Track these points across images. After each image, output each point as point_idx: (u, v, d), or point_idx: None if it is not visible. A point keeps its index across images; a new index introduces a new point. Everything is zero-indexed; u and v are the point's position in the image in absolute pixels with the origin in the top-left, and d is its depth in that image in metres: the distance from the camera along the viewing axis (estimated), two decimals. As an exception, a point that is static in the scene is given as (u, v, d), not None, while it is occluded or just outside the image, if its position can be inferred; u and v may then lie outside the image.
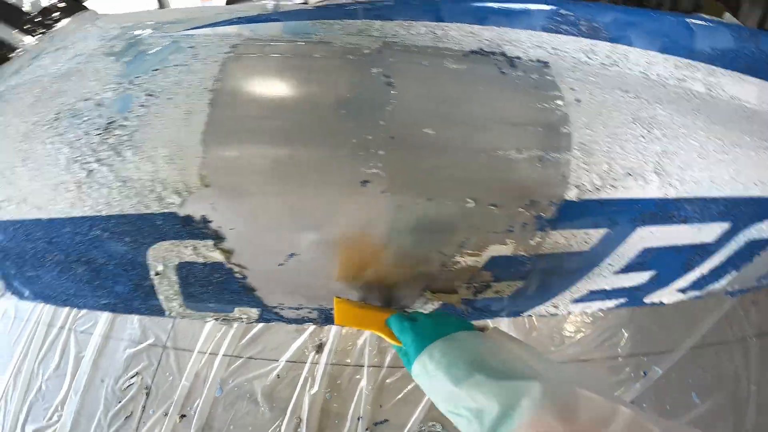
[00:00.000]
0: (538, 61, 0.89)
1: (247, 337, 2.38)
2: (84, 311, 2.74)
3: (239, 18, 1.04)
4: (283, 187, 0.84)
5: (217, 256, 0.92)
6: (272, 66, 0.90)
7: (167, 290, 1.04)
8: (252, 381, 2.27)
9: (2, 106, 1.06)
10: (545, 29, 0.90)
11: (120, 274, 1.02)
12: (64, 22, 1.38)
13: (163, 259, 0.95)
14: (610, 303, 1.19)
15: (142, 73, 0.93)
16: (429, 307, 1.10)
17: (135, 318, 2.58)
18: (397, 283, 1.01)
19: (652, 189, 0.87)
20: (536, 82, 0.86)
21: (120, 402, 2.38)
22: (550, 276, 1.03)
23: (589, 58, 0.90)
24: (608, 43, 0.91)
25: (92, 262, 1.01)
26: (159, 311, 1.15)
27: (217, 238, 0.89)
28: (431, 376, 0.70)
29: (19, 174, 0.92)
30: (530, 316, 1.30)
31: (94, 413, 2.40)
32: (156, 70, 0.93)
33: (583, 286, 1.09)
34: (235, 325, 2.33)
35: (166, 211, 0.86)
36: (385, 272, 0.97)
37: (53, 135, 0.90)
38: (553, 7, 0.90)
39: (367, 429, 2.09)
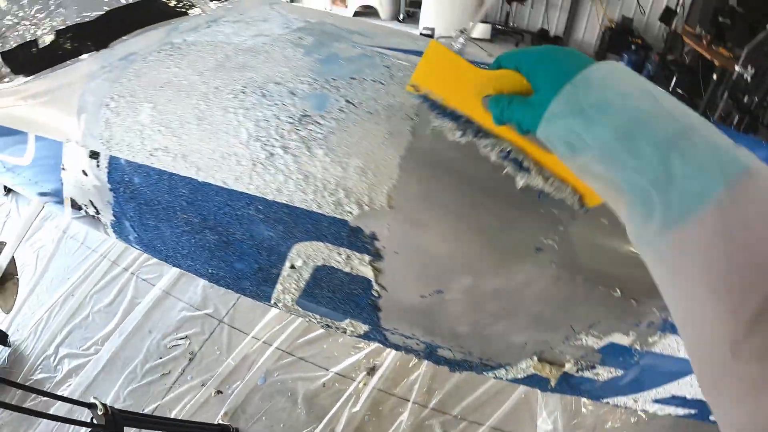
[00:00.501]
0: None
1: (305, 338, 2.35)
2: (153, 260, 2.77)
3: None
4: (462, 230, 0.83)
5: (367, 272, 0.89)
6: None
7: (290, 284, 1.01)
8: (296, 381, 2.23)
9: (178, 58, 1.07)
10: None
11: (250, 254, 0.99)
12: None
13: (307, 256, 0.92)
14: (682, 411, 1.16)
15: (338, 77, 0.93)
16: (522, 370, 1.06)
17: (200, 283, 2.59)
18: (515, 342, 0.98)
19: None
20: None
21: (161, 358, 2.39)
22: (647, 373, 1.01)
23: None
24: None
25: (227, 234, 0.99)
26: (264, 297, 1.13)
27: (377, 256, 0.87)
28: (587, 114, 0.45)
29: (189, 131, 0.92)
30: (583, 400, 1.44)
31: (132, 360, 2.42)
32: (353, 78, 0.93)
33: (669, 389, 1.07)
34: (320, 329, 2.30)
35: (338, 216, 0.84)
36: (511, 329, 0.95)
37: (238, 107, 0.90)
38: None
39: (397, 462, 2.02)
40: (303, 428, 2.08)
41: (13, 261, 2.35)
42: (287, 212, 0.86)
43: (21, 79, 1.19)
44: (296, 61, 0.97)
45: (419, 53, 1.03)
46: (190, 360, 2.35)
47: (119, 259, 2.89)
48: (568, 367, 1.01)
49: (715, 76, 5.15)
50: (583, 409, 2.14)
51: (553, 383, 1.06)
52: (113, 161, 1.07)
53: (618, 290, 0.83)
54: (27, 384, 2.39)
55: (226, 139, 0.88)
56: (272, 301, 1.12)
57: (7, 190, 3.61)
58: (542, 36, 6.97)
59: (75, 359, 2.47)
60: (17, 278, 2.44)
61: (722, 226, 0.35)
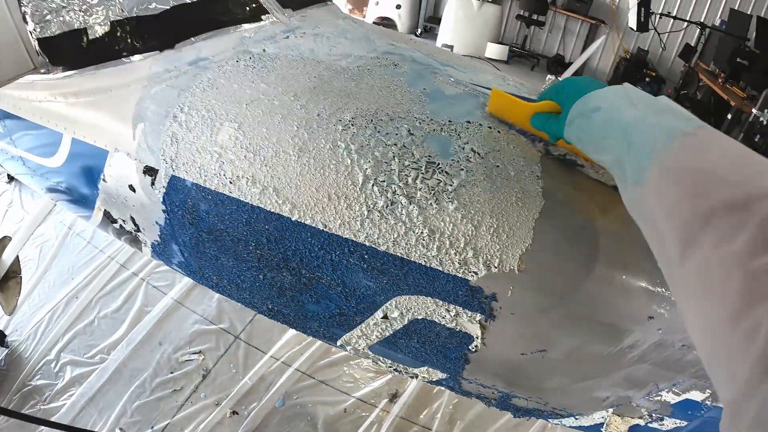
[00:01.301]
0: None
1: (326, 360, 2.25)
2: (165, 267, 2.65)
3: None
4: (583, 303, 0.79)
5: (474, 330, 0.82)
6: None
7: (373, 332, 0.93)
8: (317, 405, 2.13)
9: (263, 72, 0.97)
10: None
11: (334, 299, 0.90)
12: (312, 7, 1.31)
13: (407, 309, 0.84)
14: None
15: (454, 120, 0.86)
16: (593, 420, 1.05)
17: (215, 295, 2.48)
18: (598, 396, 0.96)
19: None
20: None
21: (172, 372, 2.27)
22: (707, 424, 1.01)
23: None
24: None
25: (310, 278, 0.90)
26: (331, 339, 1.05)
27: (490, 315, 0.80)
28: (589, 117, 0.64)
29: (286, 162, 0.82)
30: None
31: (141, 372, 2.29)
32: (469, 122, 0.86)
33: None
34: (335, 351, 2.21)
35: (459, 275, 0.76)
36: (600, 385, 0.93)
37: (349, 140, 0.80)
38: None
39: (417, 494, 1.94)
40: (323, 456, 1.99)
41: (17, 259, 2.22)
42: (398, 265, 0.79)
43: (60, 72, 1.05)
44: (402, 94, 0.90)
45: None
46: (204, 377, 2.24)
47: (128, 263, 2.77)
48: (642, 419, 1.01)
49: (729, 116, 5.23)
50: None
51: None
52: (175, 182, 0.97)
53: None
54: (25, 390, 2.27)
55: (335, 177, 0.79)
56: (339, 343, 1.04)
57: (10, 178, 3.47)
58: (557, 61, 6.98)
59: (78, 367, 2.34)
60: (21, 277, 2.31)
61: (664, 179, 0.49)
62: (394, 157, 0.79)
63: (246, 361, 2.27)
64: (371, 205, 0.77)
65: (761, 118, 4.54)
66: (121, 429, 1.38)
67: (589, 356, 0.85)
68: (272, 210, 0.85)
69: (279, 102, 0.89)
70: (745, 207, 0.41)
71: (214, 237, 0.98)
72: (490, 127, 0.85)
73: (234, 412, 2.11)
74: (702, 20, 6.25)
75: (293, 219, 0.83)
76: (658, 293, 0.79)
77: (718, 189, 0.44)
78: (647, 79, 6.53)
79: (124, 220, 1.17)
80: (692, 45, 6.30)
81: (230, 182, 0.88)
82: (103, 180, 1.10)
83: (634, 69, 6.66)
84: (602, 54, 7.14)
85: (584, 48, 6.99)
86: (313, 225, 0.81)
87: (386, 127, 0.82)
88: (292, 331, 2.29)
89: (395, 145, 0.80)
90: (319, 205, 0.80)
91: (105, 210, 1.20)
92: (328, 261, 0.84)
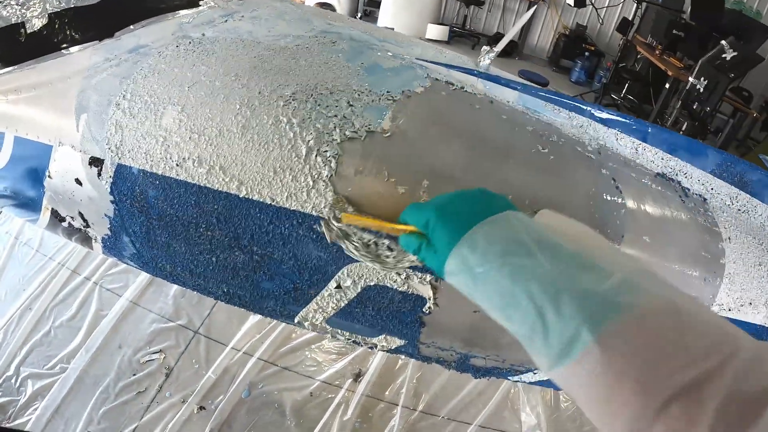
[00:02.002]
0: (700, 195, 1.04)
1: (287, 346, 2.25)
2: (116, 269, 2.59)
3: (476, 72, 1.08)
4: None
5: (426, 291, 0.85)
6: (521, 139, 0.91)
7: (329, 303, 0.94)
8: (282, 392, 2.14)
9: (203, 55, 0.97)
10: (711, 172, 1.05)
11: (287, 275, 0.92)
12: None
13: (359, 276, 0.86)
14: None
15: (393, 90, 0.88)
16: None
17: (170, 292, 2.44)
18: None
19: (759, 317, 0.99)
20: (703, 215, 1.00)
21: (135, 374, 2.23)
22: None
23: (731, 202, 1.05)
24: (747, 195, 1.06)
25: (262, 254, 0.91)
26: (288, 317, 1.07)
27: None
28: (474, 274, 0.53)
29: (231, 140, 0.83)
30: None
31: (103, 378, 2.25)
32: (402, 92, 0.88)
33: None
34: (301, 336, 2.20)
35: None
36: None
37: (290, 115, 0.81)
38: (724, 158, 1.06)
39: (390, 468, 1.98)
40: (294, 441, 2.00)
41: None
42: (347, 232, 0.80)
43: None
44: (341, 69, 0.91)
45: (448, 66, 1.06)
46: (167, 375, 2.21)
47: (79, 268, 2.68)
48: None
49: (667, 85, 5.45)
50: (563, 404, 2.21)
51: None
52: (121, 170, 0.96)
53: None
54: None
55: (279, 152, 0.80)
56: (296, 320, 1.05)
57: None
58: (497, 39, 7.09)
59: (39, 380, 2.28)
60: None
61: (596, 368, 0.42)
62: (335, 127, 0.80)
63: (208, 356, 2.25)
64: (316, 175, 0.79)
65: (698, 86, 4.76)
66: None
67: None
68: (220, 189, 0.85)
69: (220, 83, 0.89)
70: (699, 388, 0.38)
71: (164, 223, 0.98)
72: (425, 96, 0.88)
73: (201, 408, 2.10)
74: (636, -6, 6.47)
75: (241, 196, 0.84)
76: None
77: (668, 374, 0.39)
78: (586, 53, 6.73)
79: (72, 217, 1.15)
80: (629, 19, 6.52)
81: (177, 165, 0.88)
82: (49, 176, 1.08)
83: (573, 44, 6.85)
84: (541, 31, 7.30)
85: (524, 26, 7.14)
86: (261, 200, 0.82)
87: (326, 100, 0.83)
88: (251, 321, 2.29)
89: (335, 116, 0.81)
90: (265, 180, 0.81)
91: (52, 209, 1.17)
92: (278, 235, 0.85)
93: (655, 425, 0.38)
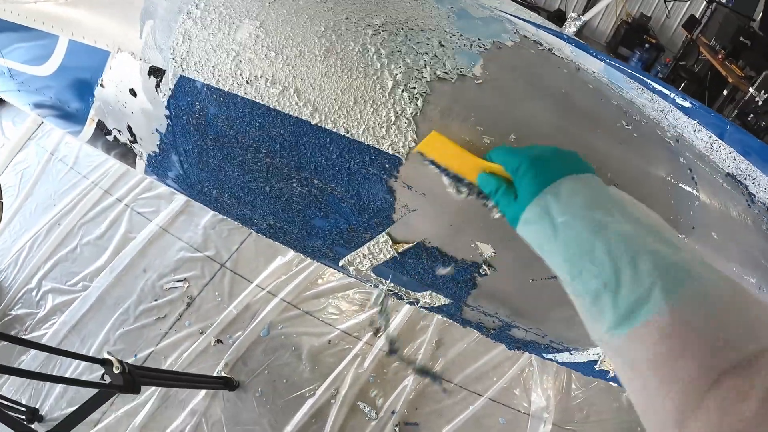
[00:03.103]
0: (764, 204, 1.00)
1: (311, 291, 2.25)
2: (150, 193, 2.60)
3: (566, 37, 1.03)
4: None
5: (486, 251, 0.82)
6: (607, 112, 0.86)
7: (380, 251, 0.91)
8: (301, 336, 2.15)
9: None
10: (782, 182, 1.00)
11: (344, 213, 0.88)
12: None
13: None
14: None
15: (482, 38, 0.82)
16: (588, 356, 1.07)
17: (200, 222, 2.44)
18: None
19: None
20: (767, 224, 0.97)
21: (156, 300, 2.26)
22: None
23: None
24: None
25: (322, 188, 0.87)
26: (331, 259, 1.03)
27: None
28: (555, 223, 0.54)
29: (311, 63, 0.78)
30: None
31: (124, 300, 2.28)
32: (493, 43, 0.82)
33: None
34: (328, 283, 2.20)
35: None
36: None
37: (379, 44, 0.76)
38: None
39: (396, 425, 2.02)
40: (306, 385, 2.02)
41: (-3, 184, 2.16)
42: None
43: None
44: (430, 8, 0.85)
45: (536, 25, 1.02)
46: (188, 305, 2.23)
47: (112, 189, 2.70)
48: None
49: (725, 92, 5.27)
50: (573, 392, 2.21)
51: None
52: (183, 83, 0.92)
53: None
54: (6, 319, 2.23)
55: (363, 81, 0.75)
56: (340, 263, 1.02)
57: (-11, 101, 3.32)
58: (558, 16, 6.87)
59: (60, 295, 2.32)
60: (1, 203, 2.25)
61: (664, 331, 0.43)
62: (425, 65, 0.75)
63: (231, 290, 2.26)
64: (399, 111, 0.74)
65: (757, 98, 4.60)
66: (109, 353, 1.37)
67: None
68: (290, 113, 0.81)
69: (304, 2, 0.83)
70: (749, 366, 0.40)
71: (220, 144, 0.94)
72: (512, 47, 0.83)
73: (218, 341, 2.12)
74: (710, -7, 6.20)
75: (313, 123, 0.79)
76: (677, 227, 0.79)
77: (726, 348, 0.41)
78: (646, 45, 6.49)
79: (119, 131, 1.11)
80: (697, 17, 6.25)
81: (247, 82, 0.83)
82: (101, 85, 1.04)
83: (634, 33, 6.61)
84: (603, 15, 7.04)
85: (587, 5, 6.89)
86: (334, 130, 0.78)
87: (417, 36, 0.78)
88: (278, 261, 2.29)
89: (426, 54, 0.76)
90: (343, 109, 0.76)
91: (99, 120, 1.14)
92: (345, 170, 0.81)
93: (708, 395, 0.40)
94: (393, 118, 0.74)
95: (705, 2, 6.04)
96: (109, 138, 1.16)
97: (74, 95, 1.16)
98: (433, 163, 0.74)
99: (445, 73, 0.75)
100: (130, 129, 1.08)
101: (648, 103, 1.00)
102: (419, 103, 0.73)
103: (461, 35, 0.81)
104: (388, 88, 0.74)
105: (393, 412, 2.02)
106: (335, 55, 0.77)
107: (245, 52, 0.83)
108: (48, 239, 2.51)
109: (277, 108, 0.82)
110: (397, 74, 0.74)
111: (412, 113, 0.74)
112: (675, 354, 0.43)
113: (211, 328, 2.11)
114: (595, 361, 1.07)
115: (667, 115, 1.01)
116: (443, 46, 0.78)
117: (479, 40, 0.81)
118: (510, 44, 0.84)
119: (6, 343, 1.97)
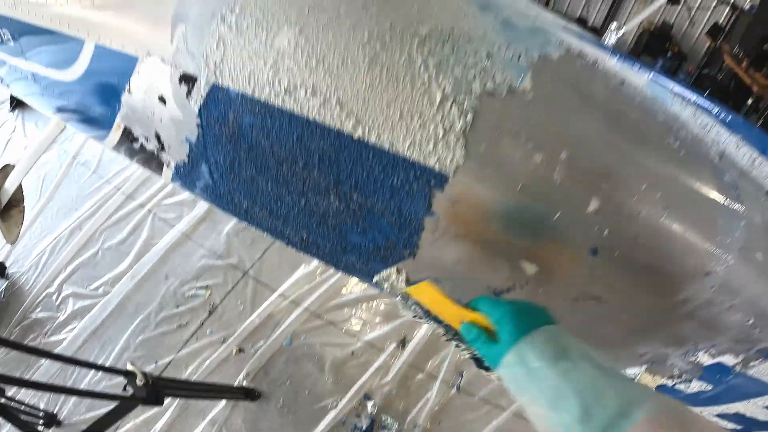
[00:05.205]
0: None
1: (335, 301, 2.22)
2: (173, 199, 2.59)
3: (611, 49, 1.01)
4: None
5: (529, 269, 0.80)
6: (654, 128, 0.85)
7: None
8: (324, 347, 2.12)
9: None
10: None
11: (384, 230, 0.85)
12: None
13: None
14: (731, 426, 1.20)
15: (531, 49, 0.79)
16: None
17: (223, 230, 2.43)
18: (637, 351, 0.95)
19: None
20: None
21: (178, 307, 2.24)
22: (730, 391, 1.03)
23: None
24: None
25: (360, 204, 0.84)
26: (365, 274, 1.00)
27: None
28: (530, 369, 0.63)
29: (354, 73, 0.75)
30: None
31: (145, 306, 2.27)
32: (540, 54, 0.80)
33: (737, 407, 1.10)
34: (350, 294, 2.18)
35: None
36: (644, 340, 0.93)
37: (426, 55, 0.73)
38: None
39: (419, 438, 1.97)
40: (329, 397, 1.99)
41: (20, 187, 2.15)
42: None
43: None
44: (474, 17, 0.81)
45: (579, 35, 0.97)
46: (210, 313, 2.22)
47: (135, 193, 2.70)
48: (668, 380, 1.01)
49: (749, 101, 5.18)
50: None
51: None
52: (216, 92, 0.89)
53: (752, 318, 0.84)
54: (25, 322, 2.23)
55: (409, 93, 0.72)
56: (375, 279, 0.98)
57: (13, 106, 3.35)
58: (580, 23, 6.81)
59: (80, 300, 2.32)
60: (23, 206, 2.24)
61: None
62: (474, 78, 0.72)
63: (254, 299, 2.24)
64: (448, 126, 0.71)
65: (783, 108, 4.51)
66: (132, 363, 1.34)
67: (642, 307, 0.82)
68: (331, 125, 0.78)
69: (346, 9, 0.80)
70: None
71: (254, 155, 0.91)
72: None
73: (240, 350, 2.10)
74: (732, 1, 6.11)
75: (355, 136, 0.76)
76: (717, 250, 0.77)
77: None
78: (668, 53, 6.41)
79: (147, 138, 1.09)
80: (720, 25, 6.15)
81: (285, 92, 0.80)
82: (128, 92, 1.02)
83: (656, 41, 6.53)
84: (626, 21, 6.99)
85: (608, 14, 6.82)
86: (377, 144, 0.75)
87: (465, 46, 0.75)
88: (301, 270, 2.26)
89: (475, 66, 0.73)
90: (388, 122, 0.73)
91: (125, 127, 1.12)
92: (387, 185, 0.77)
93: None
94: (441, 133, 0.71)
95: (728, 9, 5.94)
96: (135, 146, 1.14)
97: (100, 101, 1.14)
98: (417, 304, 0.81)
99: (495, 87, 0.72)
100: (158, 137, 1.06)
101: (691, 119, 0.97)
102: (469, 117, 0.70)
103: (508, 46, 0.78)
104: (437, 101, 0.71)
105: (416, 426, 1.98)
106: (380, 66, 0.74)
107: (284, 60, 0.80)
108: (69, 243, 2.52)
109: (317, 120, 0.79)
110: (445, 87, 0.71)
111: (461, 128, 0.70)
112: None
113: (233, 337, 2.09)
114: None
115: (710, 131, 0.98)
116: (491, 57, 0.74)
117: (526, 51, 0.78)
118: (556, 56, 0.81)
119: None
